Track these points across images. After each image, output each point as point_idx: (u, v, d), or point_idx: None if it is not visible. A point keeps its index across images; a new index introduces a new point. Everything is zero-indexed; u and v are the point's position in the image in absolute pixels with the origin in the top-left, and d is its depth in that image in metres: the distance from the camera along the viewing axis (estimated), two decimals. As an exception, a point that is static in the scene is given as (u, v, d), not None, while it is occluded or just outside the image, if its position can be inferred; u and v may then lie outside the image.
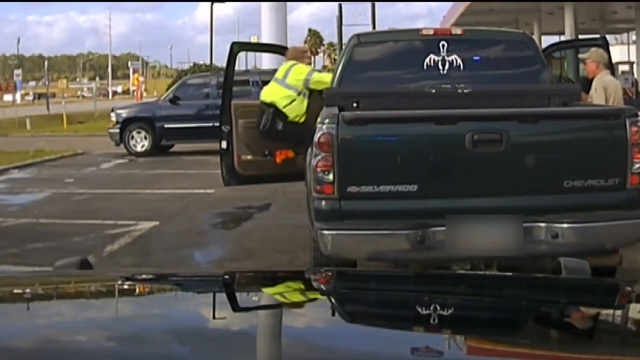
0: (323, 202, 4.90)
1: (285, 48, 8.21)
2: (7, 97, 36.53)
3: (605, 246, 4.91)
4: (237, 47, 7.63)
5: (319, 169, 4.84)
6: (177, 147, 17.87)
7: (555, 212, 4.88)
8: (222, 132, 7.43)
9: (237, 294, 1.98)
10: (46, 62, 46.99)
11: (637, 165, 4.84)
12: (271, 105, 7.11)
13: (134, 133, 17.58)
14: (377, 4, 23.05)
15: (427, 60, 6.03)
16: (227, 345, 1.43)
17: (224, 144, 7.45)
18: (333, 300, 1.91)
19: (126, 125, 17.54)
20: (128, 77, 71.13)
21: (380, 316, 1.73)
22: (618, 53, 42.81)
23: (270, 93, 7.23)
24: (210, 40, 34.96)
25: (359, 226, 4.87)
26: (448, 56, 6.02)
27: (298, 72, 7.16)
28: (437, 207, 4.87)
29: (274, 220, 9.09)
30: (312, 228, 5.26)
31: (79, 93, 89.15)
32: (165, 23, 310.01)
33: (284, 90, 7.15)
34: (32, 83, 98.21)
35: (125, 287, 2.02)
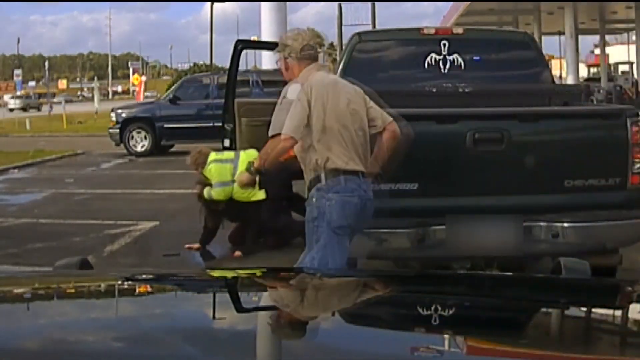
0: None
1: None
2: (7, 97, 36.56)
3: (605, 246, 4.91)
4: (241, 45, 7.58)
5: None
6: (177, 147, 17.85)
7: (555, 212, 4.87)
8: (225, 131, 7.40)
9: (237, 294, 1.97)
10: (47, 63, 46.42)
11: (638, 165, 4.84)
12: None
13: (134, 133, 17.58)
14: (378, 3, 23.00)
15: (428, 59, 6.02)
16: (227, 345, 1.43)
17: (226, 142, 7.42)
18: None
19: (126, 125, 17.54)
20: (128, 77, 71.15)
21: (380, 316, 1.73)
22: (618, 53, 42.95)
23: None
24: (210, 39, 34.83)
25: None
26: (449, 55, 6.02)
27: None
28: (438, 205, 4.87)
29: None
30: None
31: (79, 93, 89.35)
32: (169, 22, 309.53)
33: None
34: (32, 83, 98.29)
35: (125, 287, 2.02)
